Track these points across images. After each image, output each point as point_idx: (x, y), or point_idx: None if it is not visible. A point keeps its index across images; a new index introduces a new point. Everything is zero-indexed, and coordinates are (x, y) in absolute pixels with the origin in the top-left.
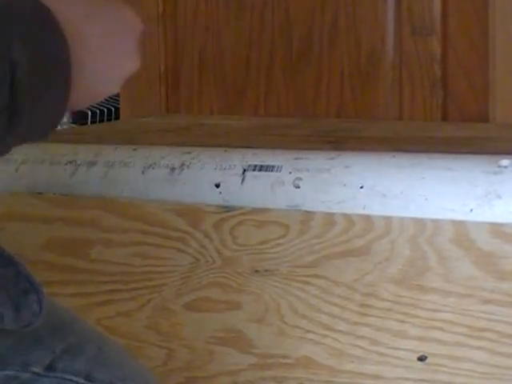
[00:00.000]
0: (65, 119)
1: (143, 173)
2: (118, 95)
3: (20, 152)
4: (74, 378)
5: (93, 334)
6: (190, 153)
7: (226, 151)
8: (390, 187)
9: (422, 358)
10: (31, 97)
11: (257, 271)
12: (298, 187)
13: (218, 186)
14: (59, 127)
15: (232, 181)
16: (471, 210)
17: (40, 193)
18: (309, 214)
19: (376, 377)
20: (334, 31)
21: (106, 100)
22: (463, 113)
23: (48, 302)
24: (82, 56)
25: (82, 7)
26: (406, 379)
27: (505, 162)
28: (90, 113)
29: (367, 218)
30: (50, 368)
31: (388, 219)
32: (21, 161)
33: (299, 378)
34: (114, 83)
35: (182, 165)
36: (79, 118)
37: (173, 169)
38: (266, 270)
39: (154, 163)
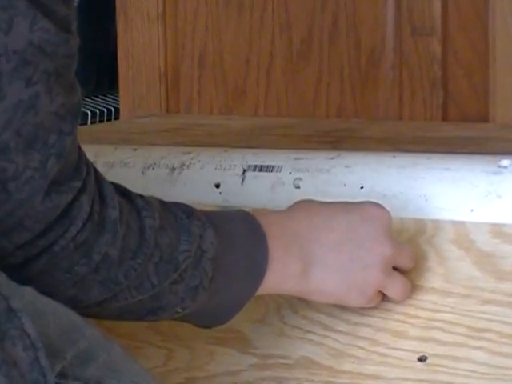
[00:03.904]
0: None
1: (143, 173)
2: (117, 95)
3: None
4: None
5: (101, 338)
6: (189, 153)
7: (225, 151)
8: (390, 187)
9: (422, 359)
10: (213, 282)
11: None
12: (297, 187)
13: (217, 186)
14: None
15: (232, 181)
16: (471, 210)
17: None
18: None
19: (376, 377)
20: (334, 31)
21: (105, 100)
22: (463, 113)
23: (60, 305)
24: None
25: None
26: (406, 379)
27: (505, 162)
28: (89, 113)
29: None
30: (61, 375)
31: None
32: None
33: (299, 379)
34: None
35: (182, 165)
36: None
37: (173, 169)
38: None
39: (154, 163)
